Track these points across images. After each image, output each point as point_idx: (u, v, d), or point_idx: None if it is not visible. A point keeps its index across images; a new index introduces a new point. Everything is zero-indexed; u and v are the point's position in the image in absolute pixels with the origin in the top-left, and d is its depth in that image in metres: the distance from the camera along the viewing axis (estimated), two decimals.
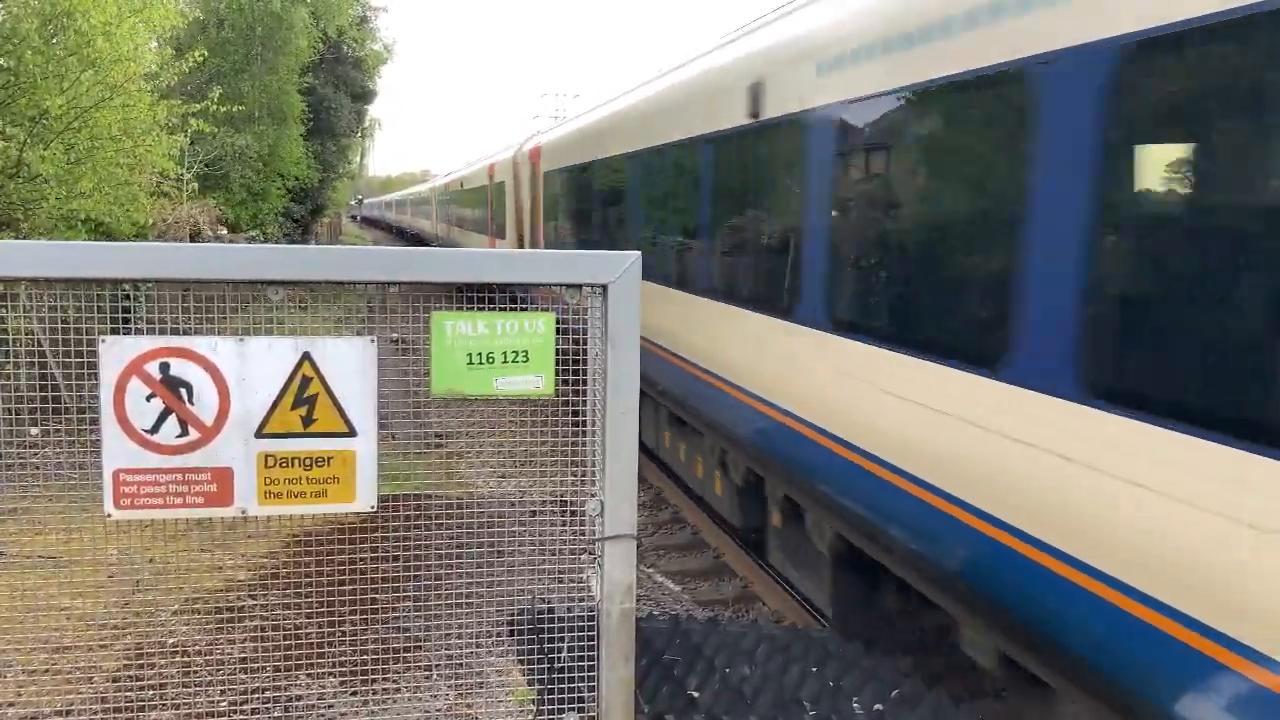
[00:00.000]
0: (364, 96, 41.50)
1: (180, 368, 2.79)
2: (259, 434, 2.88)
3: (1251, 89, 2.99)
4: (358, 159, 57.02)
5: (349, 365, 2.90)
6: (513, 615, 4.33)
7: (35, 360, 6.08)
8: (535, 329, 2.93)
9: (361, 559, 3.79)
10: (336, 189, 50.44)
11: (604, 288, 2.89)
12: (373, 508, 2.98)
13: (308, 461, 2.92)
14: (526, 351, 2.93)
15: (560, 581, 4.57)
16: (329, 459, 2.93)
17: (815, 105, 5.72)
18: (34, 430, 6.02)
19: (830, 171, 5.58)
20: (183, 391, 2.80)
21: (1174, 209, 3.36)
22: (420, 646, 3.94)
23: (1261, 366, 2.94)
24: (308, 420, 2.90)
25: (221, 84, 17.46)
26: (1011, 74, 3.99)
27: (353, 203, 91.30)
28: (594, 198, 11.61)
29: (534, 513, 7.71)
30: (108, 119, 9.41)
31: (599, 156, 10.98)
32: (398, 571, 3.71)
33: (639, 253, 2.93)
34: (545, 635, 3.50)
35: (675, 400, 8.45)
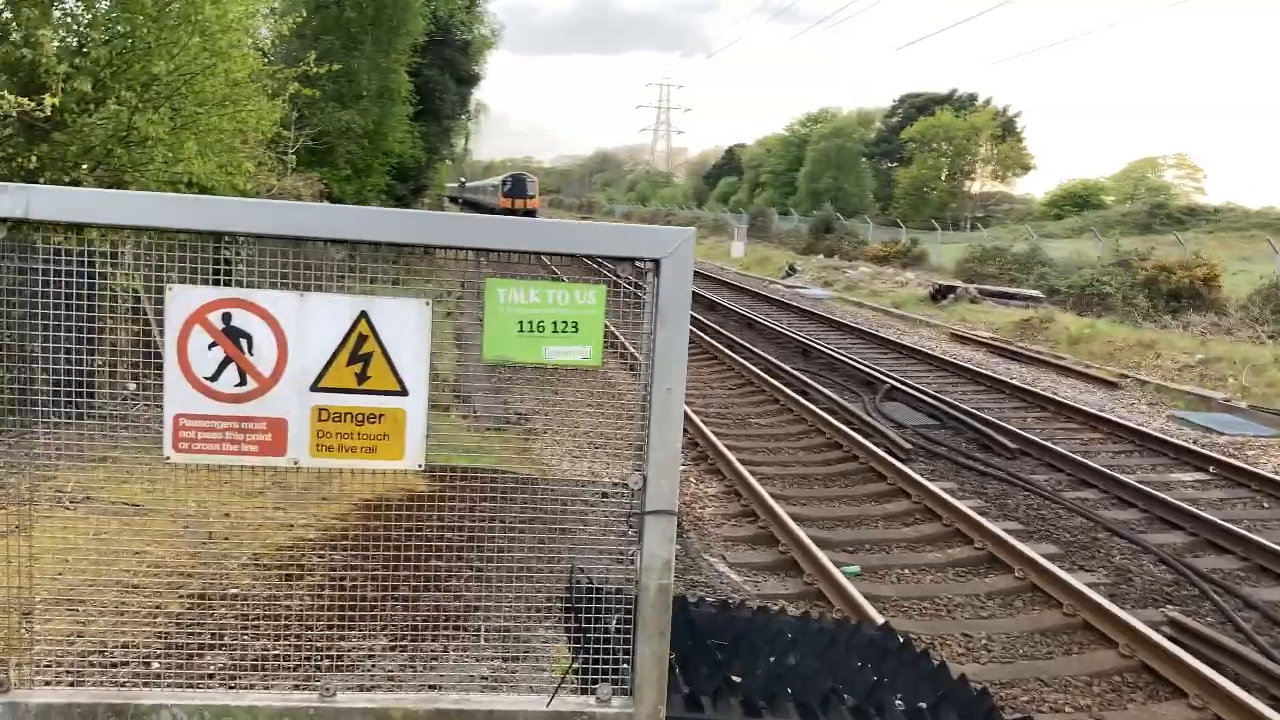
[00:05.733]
0: (469, 81, 42.25)
1: (242, 319, 2.87)
2: (314, 388, 2.95)
3: None
4: (462, 142, 58.66)
5: (404, 326, 2.96)
6: (563, 589, 4.36)
7: (131, 316, 6.33)
8: (586, 300, 2.94)
9: (421, 527, 3.84)
10: (439, 170, 51.67)
11: (657, 262, 2.88)
12: (420, 467, 3.03)
13: (359, 417, 2.99)
14: (576, 322, 2.95)
15: (616, 559, 4.60)
16: (380, 416, 3.00)
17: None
18: (130, 385, 6.27)
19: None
20: (243, 342, 2.88)
21: None
22: (475, 611, 4.01)
23: None
24: (362, 377, 2.96)
25: (334, 60, 17.91)
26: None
27: (454, 185, 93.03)
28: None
29: (605, 495, 7.75)
30: (213, 85, 9.74)
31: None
32: (459, 541, 3.76)
33: (693, 229, 2.92)
34: (589, 609, 3.52)
35: None
